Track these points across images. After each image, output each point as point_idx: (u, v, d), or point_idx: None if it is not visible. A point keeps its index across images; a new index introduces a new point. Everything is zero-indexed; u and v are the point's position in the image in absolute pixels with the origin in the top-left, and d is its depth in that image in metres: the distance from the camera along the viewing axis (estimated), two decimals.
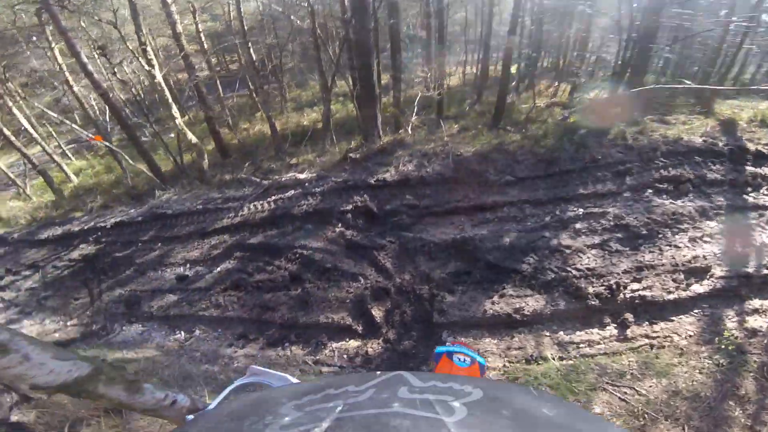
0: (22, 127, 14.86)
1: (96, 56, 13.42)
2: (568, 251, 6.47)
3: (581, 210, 7.10)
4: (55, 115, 17.15)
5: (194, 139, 10.94)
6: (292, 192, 8.46)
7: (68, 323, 7.89)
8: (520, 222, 7.42)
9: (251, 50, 10.48)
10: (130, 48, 9.76)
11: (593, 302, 5.79)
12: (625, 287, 5.86)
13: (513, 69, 21.77)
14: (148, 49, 10.02)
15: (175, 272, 8.27)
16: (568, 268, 6.24)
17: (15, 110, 14.60)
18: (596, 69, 16.60)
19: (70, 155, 18.72)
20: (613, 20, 12.08)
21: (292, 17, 11.31)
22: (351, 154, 8.41)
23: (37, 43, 14.56)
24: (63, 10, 9.77)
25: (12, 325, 8.09)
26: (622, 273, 6.02)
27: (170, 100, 10.37)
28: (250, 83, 14.04)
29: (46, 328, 7.91)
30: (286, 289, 6.83)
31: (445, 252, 7.14)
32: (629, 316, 5.64)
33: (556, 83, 16.10)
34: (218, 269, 7.81)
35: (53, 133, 17.82)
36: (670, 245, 6.31)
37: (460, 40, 20.74)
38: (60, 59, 13.87)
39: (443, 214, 7.62)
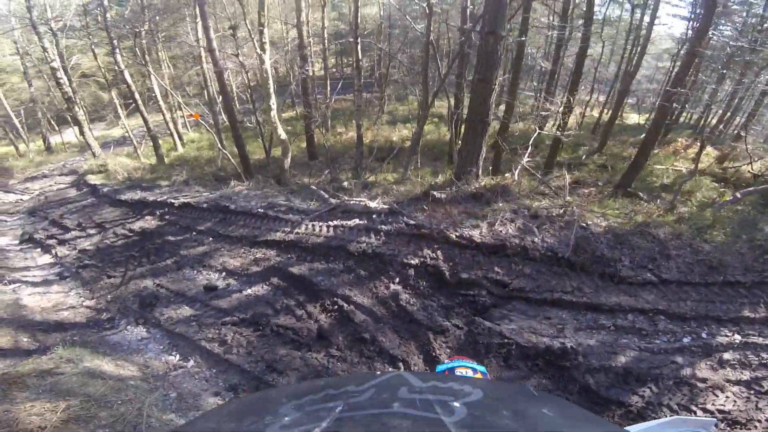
0: (153, 94, 15.37)
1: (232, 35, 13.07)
2: (701, 386, 4.46)
3: (738, 337, 4.94)
4: (186, 89, 17.80)
5: (283, 135, 9.79)
6: (356, 221, 6.66)
7: (86, 302, 6.99)
8: (646, 338, 5.08)
9: (359, 52, 9.03)
10: (249, 27, 8.81)
11: None
12: None
13: (641, 118, 17.88)
14: (265, 31, 9.03)
15: (208, 278, 6.98)
16: (694, 408, 4.30)
17: (153, 77, 15.05)
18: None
19: (188, 127, 19.38)
20: None
21: (408, 19, 9.58)
22: (435, 192, 6.35)
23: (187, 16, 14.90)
24: None
25: (38, 288, 7.48)
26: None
27: (271, 90, 9.30)
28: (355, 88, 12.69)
29: (65, 300, 7.10)
30: (307, 348, 5.00)
31: (530, 360, 4.79)
32: None
33: (698, 143, 12.39)
34: (249, 291, 6.31)
35: (182, 104, 18.47)
36: None
37: (586, 77, 17.53)
38: (201, 35, 13.86)
39: (540, 303, 5.26)
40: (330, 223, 6.82)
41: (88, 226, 10.46)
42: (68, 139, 21.63)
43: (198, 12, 10.16)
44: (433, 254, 5.74)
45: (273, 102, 9.11)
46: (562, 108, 9.95)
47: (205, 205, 9.13)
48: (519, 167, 7.50)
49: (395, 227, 6.19)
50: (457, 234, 5.80)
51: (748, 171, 10.83)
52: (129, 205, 10.88)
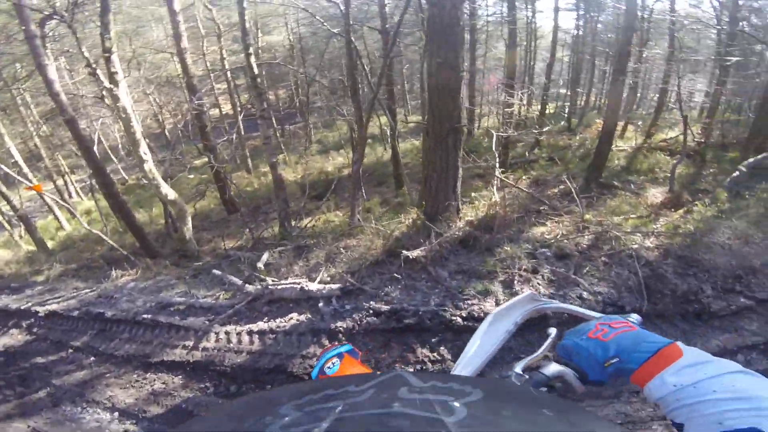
0: (12, 161, 11.27)
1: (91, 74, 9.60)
2: None
3: None
4: (72, 148, 13.64)
5: (171, 194, 6.70)
6: (294, 317, 3.92)
7: None
8: None
9: (253, 65, 6.28)
10: (86, 56, 5.66)
11: None
12: None
13: (550, 108, 17.37)
14: (113, 58, 5.93)
15: (95, 420, 3.95)
16: None
17: (7, 138, 10.97)
18: None
19: (81, 194, 15.10)
20: None
21: (323, 24, 7.08)
22: (407, 251, 3.77)
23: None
24: None
25: None
26: None
27: (137, 134, 6.17)
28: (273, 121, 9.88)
29: None
30: None
31: None
32: None
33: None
34: None
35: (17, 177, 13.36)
36: None
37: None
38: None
39: None
40: (252, 327, 3.99)
41: None
42: None
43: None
44: (436, 355, 3.20)
45: (144, 151, 6.08)
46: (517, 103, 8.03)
47: (75, 313, 5.85)
48: (497, 183, 5.21)
49: (360, 321, 3.54)
50: (465, 313, 3.30)
51: (694, 140, 9.78)
52: None
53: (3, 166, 8.35)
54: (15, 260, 10.09)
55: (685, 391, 0.49)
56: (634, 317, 0.71)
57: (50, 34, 8.31)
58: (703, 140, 9.80)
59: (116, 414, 4.06)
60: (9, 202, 10.38)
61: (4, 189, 10.44)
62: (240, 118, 11.52)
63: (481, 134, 13.82)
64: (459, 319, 3.29)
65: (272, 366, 3.60)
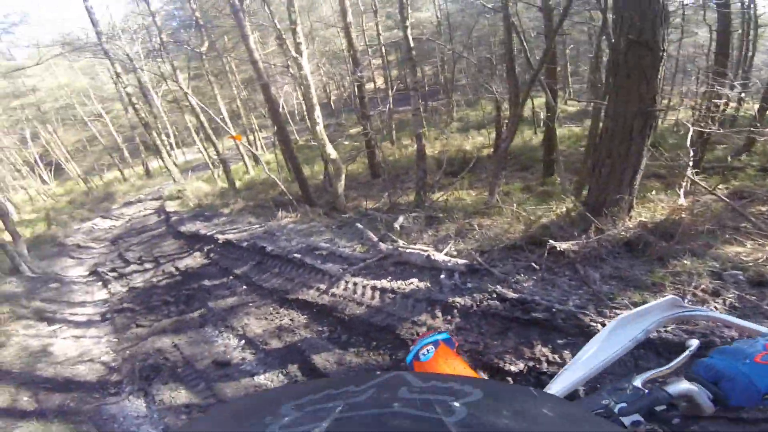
0: (221, 116, 14.25)
1: (279, 45, 11.25)
2: None
3: None
4: (262, 110, 16.54)
5: (333, 154, 7.43)
6: (414, 283, 3.92)
7: (104, 356, 5.24)
8: None
9: (410, 39, 6.29)
10: (278, 27, 6.63)
11: None
12: None
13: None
14: (298, 30, 6.79)
15: (224, 345, 4.76)
16: None
17: (219, 98, 13.89)
18: None
19: (264, 148, 18.25)
20: None
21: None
22: (554, 241, 3.29)
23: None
24: None
25: (77, 330, 6.14)
26: None
27: (314, 99, 7.02)
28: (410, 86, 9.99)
29: (92, 349, 5.48)
30: None
31: None
32: None
33: None
34: (261, 378, 3.94)
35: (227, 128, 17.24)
36: None
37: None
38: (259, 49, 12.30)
39: None
40: (377, 283, 4.15)
41: (146, 260, 9.14)
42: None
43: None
44: (557, 357, 2.79)
45: (317, 115, 6.80)
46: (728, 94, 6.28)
47: (245, 244, 7.09)
48: (685, 184, 4.12)
49: (480, 302, 3.31)
50: (608, 322, 2.74)
51: None
52: (186, 238, 9.44)
53: (218, 119, 10.60)
54: (212, 193, 12.82)
55: None
56: None
57: (247, 9, 9.88)
58: None
59: (243, 342, 4.64)
60: (215, 147, 13.24)
61: (213, 138, 13.36)
62: (391, 92, 11.96)
63: (668, 128, 11.33)
64: (599, 326, 2.75)
65: (384, 324, 3.68)
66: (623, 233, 3.22)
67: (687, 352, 0.71)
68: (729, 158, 8.96)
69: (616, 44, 3.10)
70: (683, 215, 3.46)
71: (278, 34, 6.77)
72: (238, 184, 13.44)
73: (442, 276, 3.73)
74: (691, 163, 4.46)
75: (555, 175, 8.29)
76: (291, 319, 4.67)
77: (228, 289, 6.23)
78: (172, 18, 15.93)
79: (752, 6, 11.20)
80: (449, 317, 3.39)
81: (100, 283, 8.61)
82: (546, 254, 3.30)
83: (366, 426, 0.36)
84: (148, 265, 8.59)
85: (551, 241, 3.26)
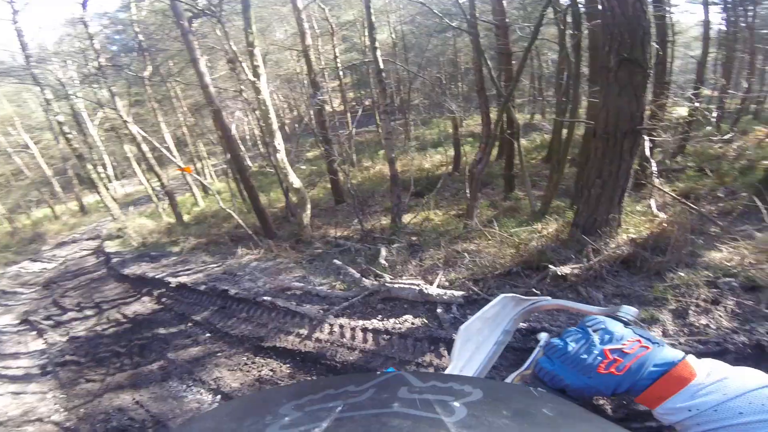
0: (165, 145, 13.16)
1: (231, 69, 10.65)
2: None
3: None
4: (210, 138, 15.57)
5: (296, 183, 7.00)
6: (409, 320, 3.60)
7: (55, 415, 4.53)
8: None
9: (379, 60, 6.19)
10: (233, 49, 6.17)
11: None
12: None
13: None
14: (256, 52, 6.38)
15: (196, 401, 4.11)
16: None
17: (163, 126, 12.85)
18: None
19: (213, 176, 17.16)
20: None
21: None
22: (554, 266, 3.15)
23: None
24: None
25: (15, 385, 5.23)
26: None
27: (273, 125, 6.58)
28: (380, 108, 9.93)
29: (37, 407, 4.63)
30: None
31: None
32: None
33: None
34: None
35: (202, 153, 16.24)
36: None
37: None
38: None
39: None
40: (366, 324, 3.78)
41: (86, 306, 8.03)
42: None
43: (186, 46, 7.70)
44: None
45: (278, 142, 6.37)
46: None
47: (203, 287, 6.36)
48: (656, 196, 4.24)
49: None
50: None
51: None
52: (131, 281, 8.41)
53: (163, 149, 9.72)
54: (157, 230, 11.64)
55: (704, 416, 0.44)
56: (626, 311, 0.62)
57: (196, 32, 9.31)
58: None
59: (218, 397, 4.05)
60: (160, 179, 12.14)
61: (157, 168, 12.27)
62: (351, 114, 11.79)
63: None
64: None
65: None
66: (618, 251, 3.17)
67: (538, 348, 0.70)
68: (667, 162, 9.74)
69: (605, 62, 3.10)
70: (665, 227, 3.50)
71: (232, 57, 6.34)
72: (186, 218, 12.40)
73: (439, 310, 3.46)
74: (656, 173, 4.64)
75: (516, 190, 8.47)
76: (271, 370, 4.13)
77: (189, 338, 5.49)
78: (112, 42, 14.72)
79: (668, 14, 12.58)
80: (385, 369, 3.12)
81: (34, 333, 7.42)
82: (548, 279, 3.16)
83: (366, 426, 0.34)
84: (88, 312, 7.57)
85: (551, 267, 3.12)
